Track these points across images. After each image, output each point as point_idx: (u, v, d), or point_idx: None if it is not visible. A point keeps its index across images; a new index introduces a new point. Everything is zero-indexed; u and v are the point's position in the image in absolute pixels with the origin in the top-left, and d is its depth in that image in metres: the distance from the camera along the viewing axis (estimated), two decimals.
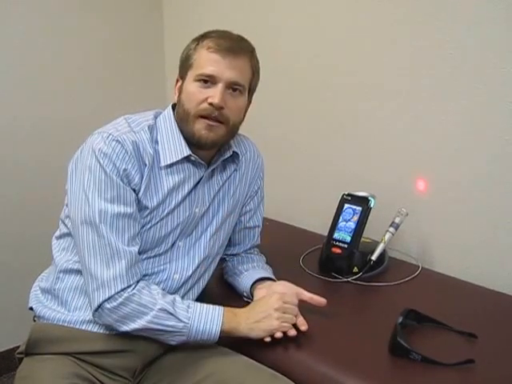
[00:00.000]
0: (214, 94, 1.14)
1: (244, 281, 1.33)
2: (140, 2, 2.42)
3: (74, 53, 2.22)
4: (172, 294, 1.19)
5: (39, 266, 1.36)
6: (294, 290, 1.22)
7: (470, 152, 1.51)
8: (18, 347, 1.23)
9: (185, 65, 1.20)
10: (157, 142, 1.20)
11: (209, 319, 1.12)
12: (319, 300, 1.21)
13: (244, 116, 1.26)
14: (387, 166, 1.72)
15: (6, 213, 2.13)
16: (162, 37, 2.51)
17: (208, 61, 1.15)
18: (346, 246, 1.49)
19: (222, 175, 1.31)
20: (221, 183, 1.31)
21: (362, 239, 1.51)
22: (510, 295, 1.39)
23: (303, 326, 1.15)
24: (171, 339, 1.14)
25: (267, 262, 1.44)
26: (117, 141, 1.13)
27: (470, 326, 1.18)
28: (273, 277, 1.33)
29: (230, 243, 1.44)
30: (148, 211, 1.18)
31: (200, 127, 1.16)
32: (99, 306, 1.10)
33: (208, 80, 1.15)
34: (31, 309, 1.26)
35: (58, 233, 1.28)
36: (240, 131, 1.34)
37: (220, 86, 1.14)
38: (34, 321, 1.25)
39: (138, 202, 1.16)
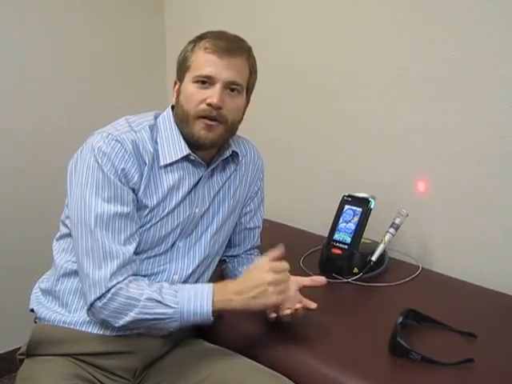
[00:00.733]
0: (212, 95, 1.14)
1: None
2: (141, 3, 2.42)
3: (74, 54, 2.22)
4: None
5: (40, 268, 1.36)
6: (292, 279, 1.20)
7: (470, 152, 1.51)
8: (19, 349, 1.23)
9: (182, 67, 1.21)
10: (156, 142, 1.20)
11: (198, 300, 1.09)
12: (319, 279, 1.20)
13: (243, 115, 1.26)
14: (387, 167, 1.72)
15: (7, 215, 2.13)
16: (164, 38, 2.52)
17: (205, 62, 1.15)
18: (346, 246, 1.49)
19: (222, 175, 1.32)
20: (221, 183, 1.31)
21: (362, 240, 1.51)
22: (510, 295, 1.39)
23: (312, 305, 1.16)
24: (167, 326, 1.12)
25: None
26: (116, 140, 1.13)
27: (470, 325, 1.19)
28: None
29: (230, 244, 1.44)
30: (148, 210, 1.18)
31: (199, 127, 1.16)
32: (91, 305, 1.11)
33: (206, 81, 1.15)
34: (32, 310, 1.27)
35: (58, 234, 1.29)
36: (240, 132, 1.34)
37: (218, 86, 1.15)
38: (35, 322, 1.26)
39: (138, 201, 1.17)
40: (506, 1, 1.38)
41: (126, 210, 1.13)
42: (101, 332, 1.18)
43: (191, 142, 1.20)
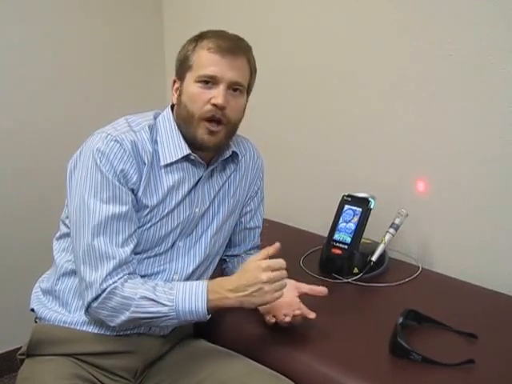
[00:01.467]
0: (217, 95, 1.14)
1: None
2: (140, 3, 2.41)
3: (74, 54, 2.21)
4: None
5: (40, 268, 1.36)
6: (292, 284, 1.21)
7: (470, 153, 1.51)
8: (20, 348, 1.23)
9: (183, 66, 1.20)
10: (156, 142, 1.20)
11: (193, 298, 1.09)
12: (319, 289, 1.20)
13: (243, 115, 1.26)
14: (387, 167, 1.72)
15: (7, 214, 2.13)
16: (162, 38, 2.51)
17: (209, 61, 1.15)
18: (346, 246, 1.49)
19: (222, 175, 1.32)
20: (221, 183, 1.31)
21: (362, 240, 1.51)
22: (510, 295, 1.39)
23: (311, 315, 1.16)
24: (165, 324, 1.13)
25: None
26: (115, 140, 1.13)
27: (470, 326, 1.19)
28: None
29: (231, 244, 1.44)
30: (148, 210, 1.18)
31: (202, 132, 1.16)
32: (88, 305, 1.12)
33: (209, 81, 1.15)
34: (32, 310, 1.27)
35: (58, 234, 1.29)
36: (240, 132, 1.34)
37: (222, 86, 1.15)
38: (36, 322, 1.26)
39: (138, 201, 1.17)
40: (506, 1, 1.38)
41: (124, 210, 1.13)
42: (101, 332, 1.18)
43: (195, 145, 1.19)
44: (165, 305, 1.09)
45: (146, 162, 1.17)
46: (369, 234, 1.54)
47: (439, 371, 1.04)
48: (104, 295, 1.09)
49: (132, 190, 1.15)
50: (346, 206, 1.54)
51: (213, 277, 1.36)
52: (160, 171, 1.20)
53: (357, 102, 1.78)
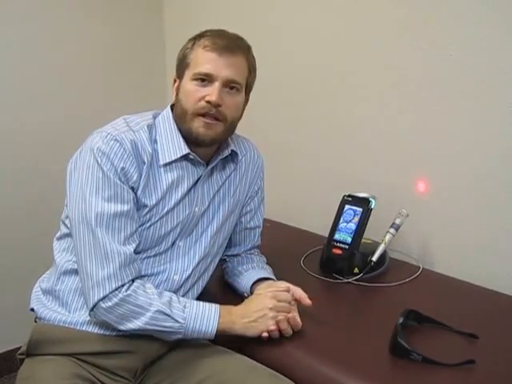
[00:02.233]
0: (212, 92, 1.14)
1: (244, 281, 1.33)
2: (141, 3, 2.42)
3: (74, 54, 2.22)
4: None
5: (40, 268, 1.36)
6: (287, 286, 1.22)
7: (471, 153, 1.51)
8: (19, 348, 1.23)
9: (182, 64, 1.21)
10: (155, 141, 1.21)
11: (205, 320, 1.13)
12: (304, 301, 1.20)
13: (242, 114, 1.26)
14: (388, 167, 1.72)
15: (7, 214, 2.13)
16: (163, 38, 2.52)
17: (204, 59, 1.16)
18: (346, 246, 1.49)
19: (222, 174, 1.32)
20: (220, 183, 1.31)
21: (363, 240, 1.51)
22: (511, 295, 1.39)
23: (296, 328, 1.17)
24: (168, 337, 1.15)
25: (268, 263, 1.43)
26: (115, 140, 1.14)
27: (471, 326, 1.18)
28: (273, 277, 1.33)
29: (231, 244, 1.44)
30: (147, 209, 1.18)
31: (198, 125, 1.17)
32: (94, 306, 1.11)
33: (205, 79, 1.16)
34: (32, 310, 1.27)
35: (58, 234, 1.29)
36: (240, 132, 1.34)
37: (217, 84, 1.15)
38: (36, 322, 1.26)
39: (138, 200, 1.17)
40: (507, 1, 1.38)
41: (126, 209, 1.13)
42: (101, 332, 1.18)
43: (190, 140, 1.20)
44: (177, 321, 1.12)
45: (146, 161, 1.17)
46: (369, 234, 1.54)
47: (439, 371, 1.04)
48: (116, 300, 1.10)
49: (132, 189, 1.16)
50: (347, 206, 1.54)
51: (213, 276, 1.36)
52: (159, 170, 1.20)
53: (357, 101, 1.78)
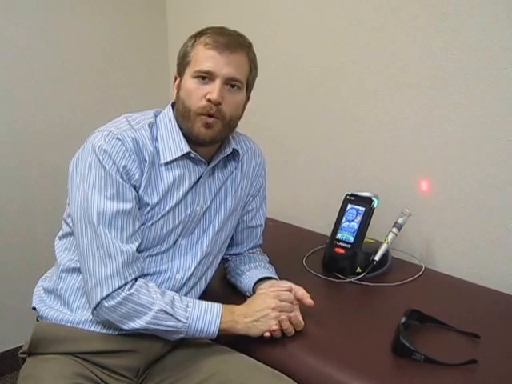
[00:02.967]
0: (212, 90, 1.14)
1: (246, 280, 1.32)
2: (144, 2, 2.42)
3: (76, 53, 2.22)
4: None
5: (42, 266, 1.36)
6: (289, 285, 1.22)
7: (474, 152, 1.50)
8: (21, 347, 1.23)
9: (182, 62, 1.21)
10: (157, 139, 1.21)
11: (207, 319, 1.13)
12: (306, 301, 1.20)
13: (242, 112, 1.26)
14: (390, 167, 1.71)
15: (9, 213, 2.13)
16: (166, 36, 2.52)
17: (205, 57, 1.16)
18: (349, 246, 1.49)
19: (223, 173, 1.32)
20: (222, 181, 1.31)
21: (365, 239, 1.51)
22: None
23: (298, 328, 1.17)
24: (170, 337, 1.16)
25: (270, 262, 1.43)
26: (117, 138, 1.14)
27: (473, 326, 1.18)
28: (275, 276, 1.33)
29: (233, 243, 1.44)
30: (149, 208, 1.18)
31: (199, 125, 1.17)
32: (97, 304, 1.11)
33: (206, 76, 1.16)
34: (34, 309, 1.27)
35: (60, 233, 1.29)
36: (242, 131, 1.34)
37: (218, 81, 1.15)
38: (37, 321, 1.26)
39: (139, 198, 1.17)
40: (508, 0, 1.37)
41: (128, 207, 1.13)
42: (103, 331, 1.18)
43: (191, 139, 1.20)
44: (180, 321, 1.12)
45: (147, 159, 1.17)
46: (372, 234, 1.53)
47: (442, 371, 1.03)
48: (119, 299, 1.10)
49: (134, 187, 1.16)
50: (349, 206, 1.54)
51: (215, 275, 1.36)
52: (160, 169, 1.20)
53: (359, 101, 1.77)
